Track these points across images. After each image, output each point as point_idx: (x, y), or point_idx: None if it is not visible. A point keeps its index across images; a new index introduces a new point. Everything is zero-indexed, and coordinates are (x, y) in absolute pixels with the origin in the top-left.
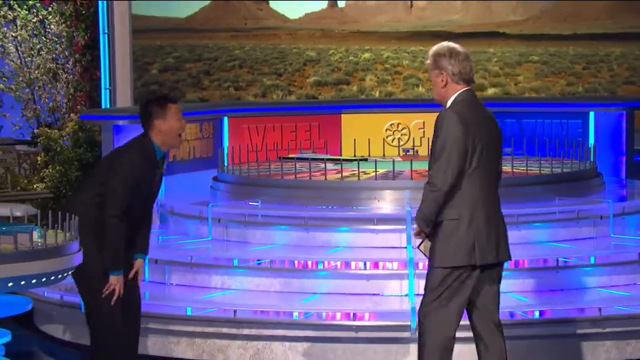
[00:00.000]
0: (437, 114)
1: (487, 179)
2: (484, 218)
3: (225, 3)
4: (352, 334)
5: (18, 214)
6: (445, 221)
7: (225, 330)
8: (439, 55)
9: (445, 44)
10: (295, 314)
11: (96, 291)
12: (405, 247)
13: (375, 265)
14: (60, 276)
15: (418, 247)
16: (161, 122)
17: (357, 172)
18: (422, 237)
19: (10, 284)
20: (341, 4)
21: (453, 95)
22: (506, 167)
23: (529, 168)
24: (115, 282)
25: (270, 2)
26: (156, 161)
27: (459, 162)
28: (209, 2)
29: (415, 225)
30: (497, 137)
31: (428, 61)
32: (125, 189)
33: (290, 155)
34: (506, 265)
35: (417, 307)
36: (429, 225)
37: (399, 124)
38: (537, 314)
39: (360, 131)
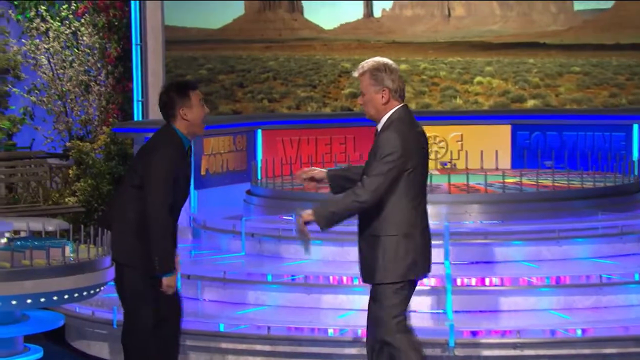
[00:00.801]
0: (474, 126)
1: (422, 194)
2: (420, 233)
3: (259, 14)
4: None
5: (50, 228)
6: (385, 237)
7: (259, 347)
8: (378, 70)
9: (379, 59)
10: (330, 330)
11: (136, 308)
12: (443, 263)
13: None
14: (92, 292)
15: (301, 231)
16: (186, 111)
17: None
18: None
19: (42, 300)
20: (377, 14)
21: (390, 111)
22: (547, 181)
23: (570, 182)
24: (170, 283)
25: (305, 13)
26: (185, 152)
27: (391, 182)
28: (243, 13)
29: (312, 216)
30: (427, 152)
31: (362, 75)
32: (167, 187)
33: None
34: (547, 281)
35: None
36: (330, 226)
37: (436, 136)
38: (579, 332)
39: None
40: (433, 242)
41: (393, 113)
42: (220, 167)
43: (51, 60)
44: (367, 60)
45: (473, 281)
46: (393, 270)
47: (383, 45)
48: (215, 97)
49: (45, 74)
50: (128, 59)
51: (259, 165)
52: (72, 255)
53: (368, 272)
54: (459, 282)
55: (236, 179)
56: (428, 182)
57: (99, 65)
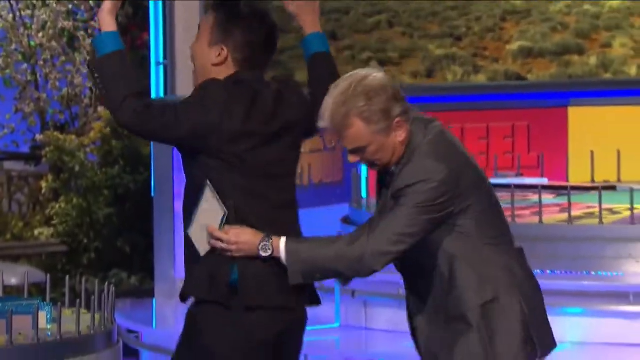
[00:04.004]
0: None
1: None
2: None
3: None
4: None
5: (13, 281)
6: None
7: None
8: (368, 99)
9: (350, 81)
10: None
11: None
12: None
13: None
14: None
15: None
16: None
17: (597, 210)
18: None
19: None
20: None
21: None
22: None
23: None
24: None
25: None
26: None
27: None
28: None
29: (268, 252)
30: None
31: (345, 123)
32: None
33: None
34: None
35: None
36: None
37: None
38: None
39: (602, 137)
40: None
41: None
42: (298, 178)
43: None
44: (330, 95)
45: None
46: None
47: None
48: (288, 58)
49: (0, 17)
50: None
51: (365, 175)
52: (49, 327)
53: None
54: None
55: (326, 198)
56: None
57: (91, 2)
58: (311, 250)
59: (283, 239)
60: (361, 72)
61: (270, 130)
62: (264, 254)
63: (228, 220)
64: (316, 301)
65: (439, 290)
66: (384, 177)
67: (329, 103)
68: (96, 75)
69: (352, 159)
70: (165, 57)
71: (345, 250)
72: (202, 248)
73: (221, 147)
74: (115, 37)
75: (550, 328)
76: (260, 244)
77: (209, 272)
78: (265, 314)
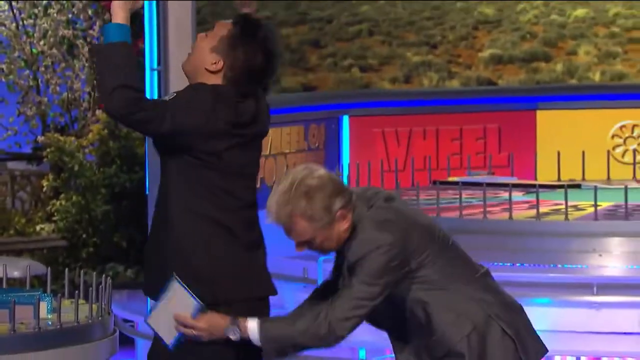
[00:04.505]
0: None
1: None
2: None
3: None
4: None
5: (15, 274)
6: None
7: None
8: (309, 199)
9: (288, 184)
10: None
11: None
12: None
13: None
14: None
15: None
16: None
17: (563, 206)
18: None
19: None
20: None
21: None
22: None
23: None
24: None
25: None
26: None
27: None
28: None
29: (237, 334)
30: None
31: (292, 221)
32: None
33: (451, 179)
34: None
35: None
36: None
37: (634, 126)
38: None
39: (568, 139)
40: (631, 299)
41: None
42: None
43: (14, 4)
44: (274, 194)
45: None
46: None
47: None
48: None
49: (4, 26)
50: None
51: (346, 172)
52: (50, 316)
53: None
54: None
55: None
56: (623, 202)
57: (89, 12)
58: (279, 329)
59: (251, 321)
60: (302, 171)
61: (248, 134)
62: (233, 337)
63: (201, 310)
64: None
65: (421, 334)
66: (338, 256)
67: (272, 203)
68: (97, 60)
69: (299, 249)
70: (159, 63)
71: (310, 325)
72: (168, 336)
73: (201, 146)
74: (122, 29)
75: (537, 336)
76: (228, 327)
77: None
78: (244, 306)
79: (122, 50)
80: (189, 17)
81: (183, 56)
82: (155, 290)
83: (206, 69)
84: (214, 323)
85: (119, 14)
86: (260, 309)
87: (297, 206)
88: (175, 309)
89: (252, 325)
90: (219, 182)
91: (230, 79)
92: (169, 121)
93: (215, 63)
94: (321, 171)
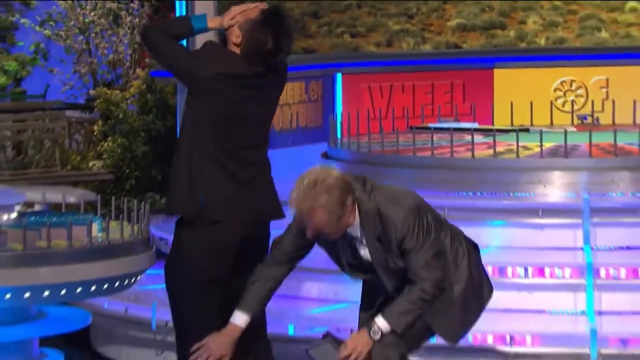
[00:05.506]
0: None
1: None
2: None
3: None
4: None
5: (72, 200)
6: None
7: None
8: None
9: (313, 180)
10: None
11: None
12: (582, 249)
13: (540, 272)
14: (126, 282)
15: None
16: None
17: (515, 146)
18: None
19: (63, 292)
20: None
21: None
22: None
23: None
24: None
25: None
26: None
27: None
28: None
29: (378, 333)
30: None
31: (314, 212)
32: None
33: (424, 125)
34: None
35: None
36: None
37: (572, 81)
38: None
39: (519, 92)
40: (568, 221)
41: (360, 198)
42: (288, 123)
43: None
44: (297, 188)
45: (622, 273)
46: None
47: None
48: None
49: (62, 0)
50: None
51: (339, 120)
52: (100, 234)
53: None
54: (603, 273)
55: (309, 138)
56: (563, 143)
57: None
58: (401, 314)
59: (377, 320)
60: (321, 171)
61: (244, 91)
62: (376, 338)
63: (337, 343)
64: (280, 216)
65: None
66: (339, 240)
67: (295, 197)
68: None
69: (311, 234)
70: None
71: (419, 298)
72: None
73: (195, 94)
74: (199, 19)
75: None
76: (369, 334)
77: (184, 196)
78: (226, 227)
79: (185, 24)
80: (211, 10)
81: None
82: (172, 207)
83: (232, 40)
84: (359, 341)
85: (213, 21)
86: (253, 229)
87: (318, 201)
88: (327, 357)
89: (382, 322)
90: (215, 127)
91: (243, 53)
92: (184, 62)
93: (238, 36)
94: (335, 172)
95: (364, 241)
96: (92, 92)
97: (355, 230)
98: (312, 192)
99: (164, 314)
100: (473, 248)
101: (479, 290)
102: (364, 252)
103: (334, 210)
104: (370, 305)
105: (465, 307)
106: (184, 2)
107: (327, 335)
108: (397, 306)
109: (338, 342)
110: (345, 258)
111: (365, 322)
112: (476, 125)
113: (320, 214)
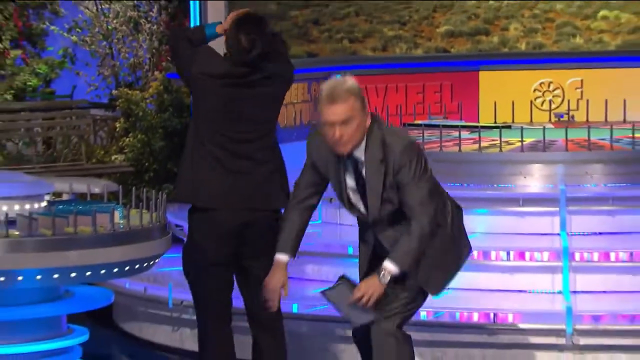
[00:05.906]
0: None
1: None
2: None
3: None
4: (492, 339)
5: (96, 190)
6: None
7: (340, 332)
8: (360, 92)
9: (348, 78)
10: (423, 313)
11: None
12: (559, 234)
13: (521, 256)
14: (145, 265)
15: (331, 293)
16: None
17: (498, 142)
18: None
19: (88, 274)
20: None
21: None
22: None
23: None
24: None
25: None
26: None
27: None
28: None
29: (387, 276)
30: None
31: (347, 100)
32: None
33: (416, 122)
34: None
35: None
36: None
37: (550, 83)
38: None
39: (502, 92)
40: (547, 209)
41: (371, 125)
42: (292, 120)
43: None
44: (331, 81)
45: (595, 256)
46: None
47: None
48: (287, 37)
49: (88, 9)
50: None
51: None
52: (122, 221)
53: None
54: (577, 257)
55: None
56: (542, 139)
57: None
58: (403, 257)
59: (386, 263)
60: (347, 77)
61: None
62: (386, 281)
63: (350, 284)
64: (275, 205)
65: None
66: (347, 162)
67: (331, 84)
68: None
69: (338, 133)
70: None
71: (419, 235)
72: (357, 319)
73: (194, 91)
74: (210, 26)
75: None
76: (380, 278)
77: (185, 185)
78: (221, 214)
79: (200, 32)
80: (222, 14)
81: (218, 44)
82: (177, 196)
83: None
84: (371, 284)
85: (219, 28)
86: (252, 216)
87: (353, 88)
88: (342, 298)
89: (388, 264)
90: (210, 122)
91: (228, 51)
92: (190, 64)
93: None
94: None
95: (367, 166)
96: (114, 92)
97: (361, 153)
98: (341, 80)
99: (179, 294)
100: (457, 208)
101: (457, 246)
102: (366, 176)
103: (361, 98)
104: (370, 266)
105: (444, 257)
106: (197, 2)
107: (342, 277)
108: (400, 247)
109: (352, 285)
110: (346, 192)
111: (374, 269)
112: (463, 122)
113: (352, 98)
